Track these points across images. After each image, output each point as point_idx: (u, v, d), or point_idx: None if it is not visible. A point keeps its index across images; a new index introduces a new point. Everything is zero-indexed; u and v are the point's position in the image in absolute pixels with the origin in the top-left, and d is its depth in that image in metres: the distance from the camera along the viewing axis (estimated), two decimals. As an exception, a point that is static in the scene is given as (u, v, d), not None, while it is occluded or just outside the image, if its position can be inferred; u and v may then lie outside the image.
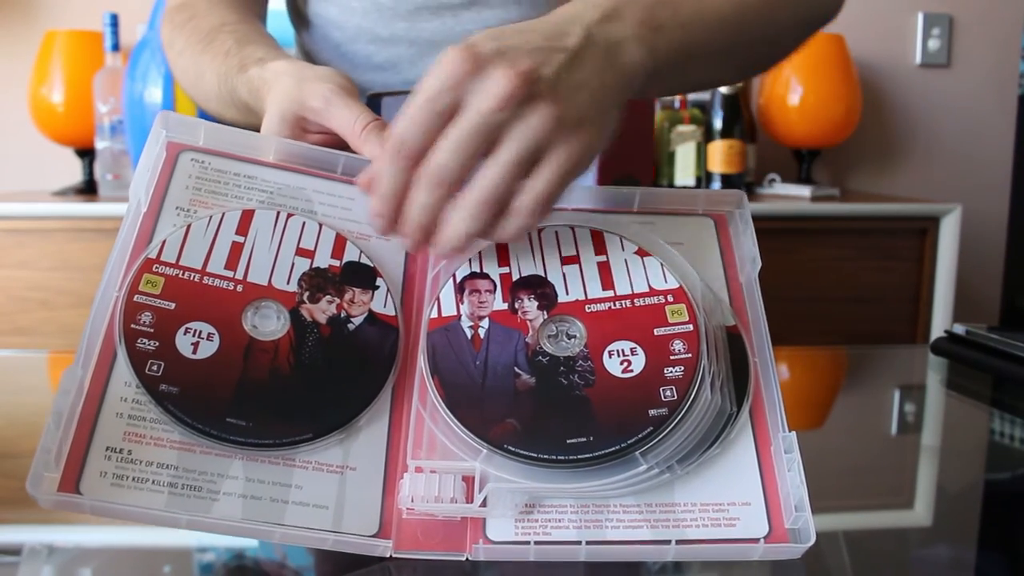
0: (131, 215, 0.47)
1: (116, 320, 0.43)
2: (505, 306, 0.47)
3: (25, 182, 1.96)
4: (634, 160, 0.86)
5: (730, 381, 0.46)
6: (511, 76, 0.42)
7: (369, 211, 0.46)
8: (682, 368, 0.45)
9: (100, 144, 1.71)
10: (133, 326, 0.43)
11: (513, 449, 0.42)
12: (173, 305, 0.44)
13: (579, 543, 0.41)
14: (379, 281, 0.48)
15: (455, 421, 0.43)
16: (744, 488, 0.43)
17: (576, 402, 0.44)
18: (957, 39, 2.11)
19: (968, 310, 1.91)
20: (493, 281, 0.48)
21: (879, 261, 1.70)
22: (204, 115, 0.62)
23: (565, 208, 0.51)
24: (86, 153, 1.82)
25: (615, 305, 0.47)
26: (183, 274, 0.45)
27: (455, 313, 0.47)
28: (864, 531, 0.50)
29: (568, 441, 0.43)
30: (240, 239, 0.47)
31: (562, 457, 0.42)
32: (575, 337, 0.47)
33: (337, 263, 0.48)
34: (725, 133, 1.81)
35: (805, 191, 1.80)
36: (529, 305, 0.47)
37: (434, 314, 0.47)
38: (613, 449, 0.42)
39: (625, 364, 0.45)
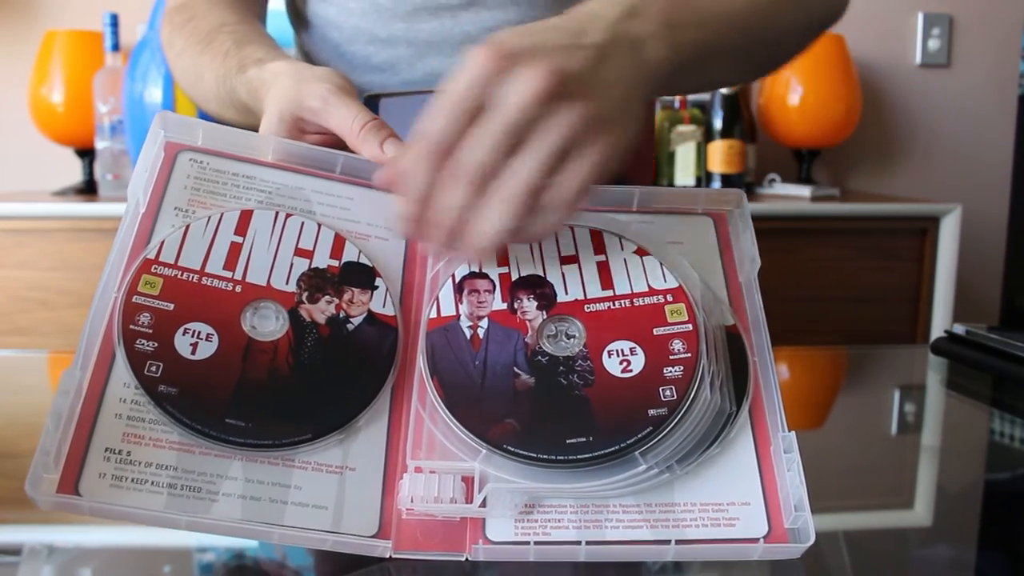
0: (129, 215, 0.47)
1: (115, 321, 0.43)
2: (504, 306, 0.47)
3: (25, 182, 1.96)
4: (634, 160, 0.86)
5: (729, 381, 0.46)
6: (542, 73, 0.42)
7: (396, 212, 0.45)
8: (681, 368, 0.45)
9: (100, 144, 1.71)
10: (132, 327, 0.43)
11: (512, 449, 0.42)
12: (172, 306, 0.44)
13: (579, 543, 0.41)
14: (378, 281, 0.48)
15: (454, 421, 0.43)
16: (743, 488, 0.43)
17: (575, 402, 0.44)
18: (957, 39, 2.11)
19: (968, 310, 1.91)
20: (492, 281, 0.48)
21: (879, 261, 1.70)
22: (204, 116, 0.62)
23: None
24: (86, 153, 1.83)
25: (614, 305, 0.47)
26: (182, 275, 0.45)
27: (454, 313, 0.47)
28: (864, 531, 0.50)
29: (567, 441, 0.43)
30: (239, 239, 0.47)
31: (561, 457, 0.42)
32: (574, 337, 0.47)
33: (336, 263, 0.48)
34: (725, 133, 1.81)
35: (805, 191, 1.80)
36: (528, 305, 0.47)
37: (433, 314, 0.47)
38: (612, 449, 0.42)
39: (624, 364, 0.45)
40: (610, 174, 0.45)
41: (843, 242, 1.69)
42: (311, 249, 0.48)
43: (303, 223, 0.48)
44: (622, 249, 0.49)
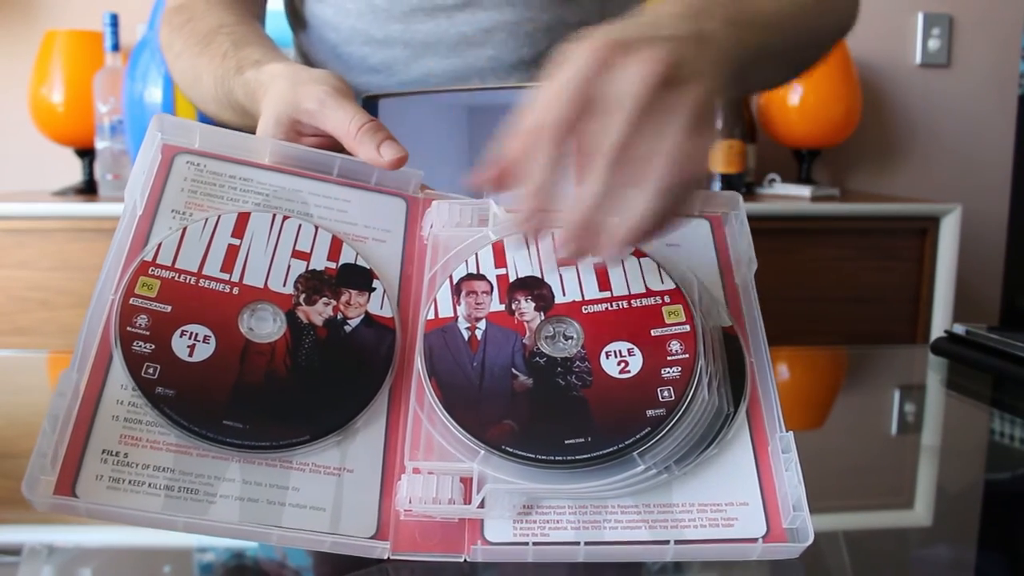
0: (127, 218, 0.47)
1: (112, 323, 0.43)
2: (502, 307, 0.47)
3: (25, 182, 1.96)
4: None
5: (727, 382, 0.46)
6: (657, 59, 0.42)
7: (517, 208, 0.43)
8: (679, 369, 0.45)
9: (100, 144, 1.71)
10: (129, 329, 0.43)
11: (511, 450, 0.42)
12: (169, 308, 0.44)
13: (577, 544, 0.41)
14: (375, 283, 0.48)
15: (452, 422, 0.43)
16: (742, 488, 0.43)
17: (574, 403, 0.44)
18: (957, 39, 2.11)
19: (968, 310, 1.91)
20: (490, 282, 0.48)
21: (879, 261, 1.70)
22: (203, 117, 0.62)
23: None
24: (86, 153, 1.82)
25: (612, 306, 0.47)
26: (179, 277, 0.45)
27: (452, 315, 0.47)
28: (864, 531, 0.50)
29: (566, 442, 0.43)
30: (236, 242, 0.47)
31: (560, 458, 0.42)
32: (572, 338, 0.47)
33: (333, 265, 0.48)
34: (725, 133, 1.81)
35: (805, 191, 1.80)
36: (526, 306, 0.47)
37: (431, 315, 0.47)
38: (611, 450, 0.42)
39: (622, 365, 0.45)
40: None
41: (843, 242, 1.68)
42: (308, 251, 0.48)
43: (300, 225, 0.48)
44: (620, 250, 0.49)
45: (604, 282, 0.48)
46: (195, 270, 0.45)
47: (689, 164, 0.42)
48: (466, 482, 0.42)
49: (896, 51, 2.10)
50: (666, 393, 0.44)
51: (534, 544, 0.41)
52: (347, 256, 0.48)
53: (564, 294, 0.48)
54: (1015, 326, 0.87)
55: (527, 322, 0.47)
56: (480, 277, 0.48)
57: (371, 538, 0.41)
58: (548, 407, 0.44)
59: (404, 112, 0.70)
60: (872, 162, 2.13)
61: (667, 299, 0.47)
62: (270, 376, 0.43)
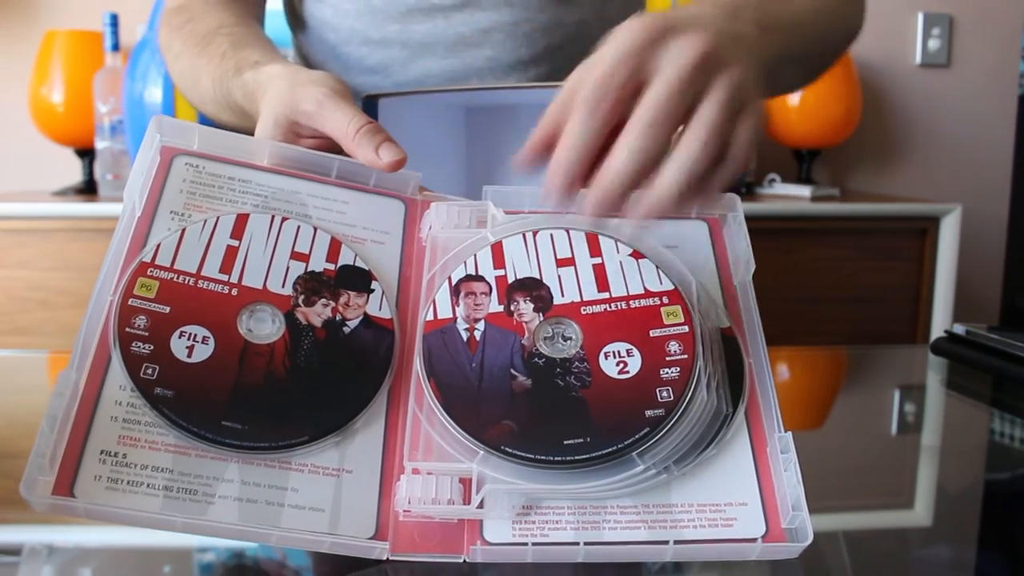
0: (125, 219, 0.47)
1: (111, 324, 0.43)
2: (501, 308, 0.47)
3: (25, 182, 1.96)
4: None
5: (726, 382, 0.46)
6: (702, 38, 0.43)
7: (551, 172, 0.44)
8: (678, 369, 0.45)
9: (100, 144, 1.71)
10: (128, 329, 0.43)
11: (510, 450, 0.42)
12: (168, 309, 0.44)
13: (577, 544, 0.41)
14: (374, 284, 0.48)
15: (451, 423, 0.43)
16: (741, 488, 0.43)
17: (573, 403, 0.44)
18: (957, 39, 2.11)
19: (968, 310, 1.91)
20: (489, 283, 0.48)
21: (879, 261, 1.70)
22: (203, 118, 0.62)
23: (560, 211, 0.51)
24: (86, 153, 1.82)
25: (611, 307, 0.47)
26: (178, 278, 0.45)
27: (451, 316, 0.47)
28: (864, 531, 0.50)
29: (565, 442, 0.43)
30: (235, 243, 0.47)
31: (559, 458, 0.42)
32: (571, 339, 0.47)
33: (332, 266, 0.48)
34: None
35: (805, 191, 1.80)
36: (525, 307, 0.47)
37: (430, 316, 0.47)
38: (610, 450, 0.42)
39: (621, 365, 0.45)
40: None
41: (843, 242, 1.68)
42: (307, 252, 0.48)
43: (299, 227, 0.48)
44: (618, 252, 0.49)
45: (603, 283, 0.48)
46: (194, 271, 0.45)
47: (722, 141, 0.43)
48: (465, 482, 0.42)
49: (896, 51, 2.10)
50: (665, 393, 0.44)
51: (533, 544, 0.41)
52: (346, 257, 0.48)
53: (563, 295, 0.48)
54: (1015, 326, 0.87)
55: (526, 323, 0.47)
56: (479, 278, 0.48)
57: (370, 539, 0.41)
58: (547, 408, 0.44)
59: (404, 112, 0.70)
60: (872, 162, 2.13)
61: (666, 300, 0.47)
62: (269, 377, 0.43)
